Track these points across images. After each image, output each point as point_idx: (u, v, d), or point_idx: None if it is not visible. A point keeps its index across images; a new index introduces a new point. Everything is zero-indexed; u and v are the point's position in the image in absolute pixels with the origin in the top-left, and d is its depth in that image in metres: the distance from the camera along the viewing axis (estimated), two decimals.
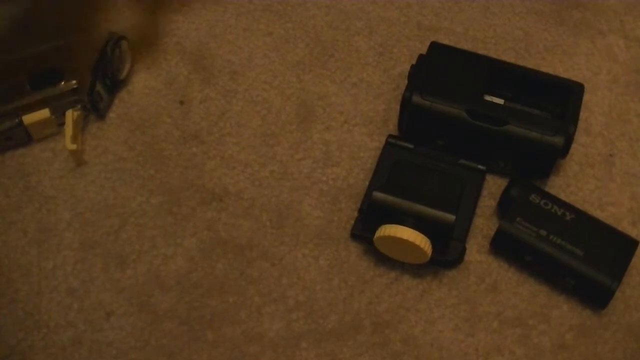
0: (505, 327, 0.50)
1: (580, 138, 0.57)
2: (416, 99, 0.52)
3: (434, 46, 0.56)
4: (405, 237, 0.47)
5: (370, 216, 0.50)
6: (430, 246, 0.48)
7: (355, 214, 0.53)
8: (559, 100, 0.53)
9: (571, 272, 0.49)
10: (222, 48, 0.62)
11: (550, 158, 0.53)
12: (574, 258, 0.49)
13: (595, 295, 0.50)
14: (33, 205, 0.54)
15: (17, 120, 0.55)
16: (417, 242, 0.47)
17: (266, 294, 0.51)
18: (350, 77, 0.60)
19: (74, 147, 0.54)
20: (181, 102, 0.59)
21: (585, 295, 0.50)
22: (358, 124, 0.58)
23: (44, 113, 0.55)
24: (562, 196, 0.53)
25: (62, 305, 0.50)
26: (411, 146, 0.54)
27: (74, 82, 0.56)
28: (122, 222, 0.53)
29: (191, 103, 0.59)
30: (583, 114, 0.56)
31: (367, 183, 0.54)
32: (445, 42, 0.57)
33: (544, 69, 0.59)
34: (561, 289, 0.51)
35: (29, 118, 0.55)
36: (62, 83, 0.56)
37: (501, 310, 0.50)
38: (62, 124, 0.56)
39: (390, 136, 0.55)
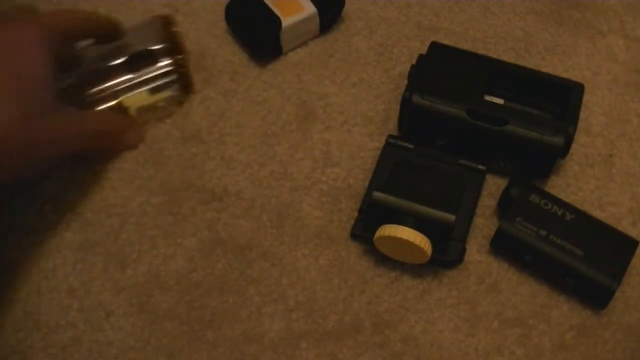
0: (505, 327, 0.50)
1: (580, 138, 0.57)
2: (416, 99, 0.52)
3: (434, 46, 0.56)
4: (405, 237, 0.47)
5: (370, 216, 0.50)
6: (430, 246, 0.48)
7: (355, 214, 0.53)
8: (559, 100, 0.53)
9: (571, 272, 0.49)
10: (222, 48, 0.62)
11: (550, 158, 0.53)
12: (574, 258, 0.49)
13: (595, 295, 0.50)
14: (33, 205, 0.54)
15: (115, 101, 0.56)
16: (417, 242, 0.47)
17: (266, 294, 0.51)
18: (350, 77, 0.60)
19: (140, 117, 0.56)
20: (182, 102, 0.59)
21: (585, 295, 0.50)
22: (358, 124, 0.58)
23: (142, 94, 0.56)
24: (562, 196, 0.53)
25: (62, 305, 0.50)
26: (411, 146, 0.54)
27: (170, 62, 0.57)
28: (122, 222, 0.53)
29: (191, 103, 0.59)
30: (583, 114, 0.56)
31: (367, 183, 0.54)
32: (445, 42, 0.57)
33: (544, 69, 0.59)
34: (561, 289, 0.51)
35: (127, 100, 0.56)
36: (159, 64, 0.57)
37: (501, 310, 0.50)
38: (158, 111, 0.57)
39: (390, 136, 0.55)
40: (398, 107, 0.55)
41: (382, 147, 0.55)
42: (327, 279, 0.51)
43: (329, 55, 0.62)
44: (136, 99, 0.56)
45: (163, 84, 0.57)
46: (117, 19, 0.56)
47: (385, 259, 0.51)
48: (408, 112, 0.53)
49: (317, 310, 0.50)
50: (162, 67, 0.57)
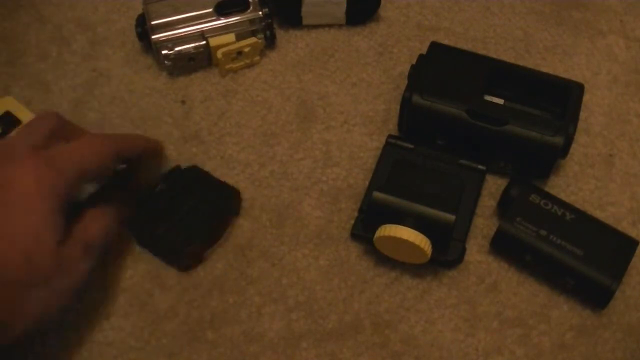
0: (505, 327, 0.50)
1: (580, 138, 0.57)
2: (416, 99, 0.52)
3: (434, 46, 0.56)
4: (405, 237, 0.47)
5: (370, 216, 0.50)
6: (430, 246, 0.48)
7: (355, 214, 0.53)
8: (559, 100, 0.53)
9: (571, 272, 0.49)
10: None
11: (550, 158, 0.53)
12: (574, 258, 0.49)
13: (595, 295, 0.50)
14: None
15: (203, 41, 0.58)
16: (417, 242, 0.47)
17: (266, 294, 0.51)
18: (350, 77, 0.60)
19: (229, 65, 0.59)
20: (183, 102, 0.59)
21: (585, 295, 0.50)
22: (358, 124, 0.58)
23: (229, 37, 0.58)
24: (562, 196, 0.53)
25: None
26: (411, 146, 0.54)
27: (259, 12, 0.59)
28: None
29: (192, 103, 0.59)
30: (583, 114, 0.56)
31: (367, 183, 0.54)
32: (445, 42, 0.57)
33: (544, 69, 0.59)
34: (561, 289, 0.51)
35: (214, 40, 0.58)
36: (247, 11, 0.59)
37: (501, 310, 0.50)
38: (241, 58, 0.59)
39: (390, 136, 0.55)
40: (398, 107, 0.55)
41: (382, 147, 0.55)
42: (327, 279, 0.51)
43: (329, 55, 0.62)
44: (222, 40, 0.58)
45: (250, 31, 0.59)
46: (157, 140, 0.54)
47: (385, 259, 0.51)
48: (408, 112, 0.53)
49: (317, 310, 0.50)
50: (250, 16, 0.59)
